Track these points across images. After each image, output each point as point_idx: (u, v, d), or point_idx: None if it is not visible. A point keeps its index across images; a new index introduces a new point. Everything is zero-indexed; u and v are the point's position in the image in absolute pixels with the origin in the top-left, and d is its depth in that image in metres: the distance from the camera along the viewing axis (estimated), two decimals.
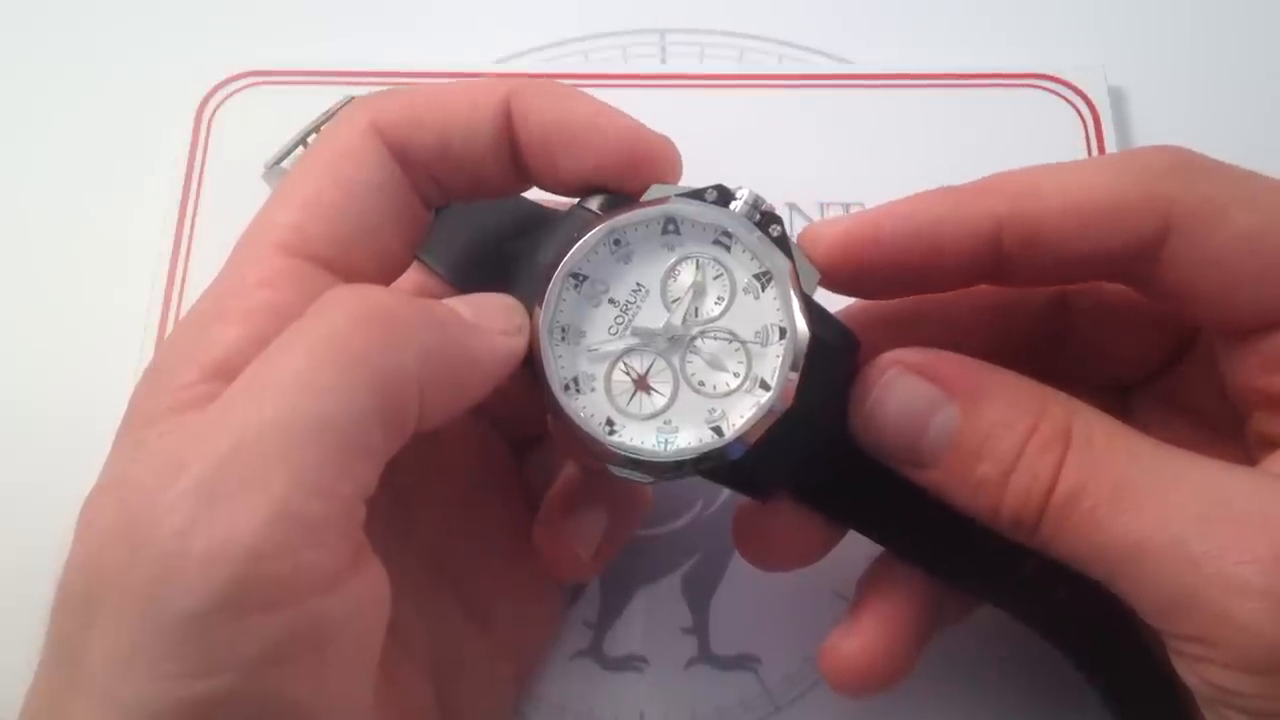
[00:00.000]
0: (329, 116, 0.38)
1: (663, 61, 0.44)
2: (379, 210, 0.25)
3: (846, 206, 0.40)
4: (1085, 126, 0.41)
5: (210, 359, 0.23)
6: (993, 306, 0.29)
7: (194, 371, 0.23)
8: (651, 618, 0.34)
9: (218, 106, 0.42)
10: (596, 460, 0.26)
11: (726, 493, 0.36)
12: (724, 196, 0.26)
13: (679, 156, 0.27)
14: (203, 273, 0.38)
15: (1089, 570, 0.24)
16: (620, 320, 0.26)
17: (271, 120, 0.41)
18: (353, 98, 0.38)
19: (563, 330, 0.26)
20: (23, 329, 0.38)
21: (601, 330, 0.26)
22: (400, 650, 0.27)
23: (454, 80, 0.27)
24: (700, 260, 0.26)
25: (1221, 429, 0.28)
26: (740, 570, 0.35)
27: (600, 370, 0.26)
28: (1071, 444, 0.24)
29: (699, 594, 0.34)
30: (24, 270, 0.39)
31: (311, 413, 0.21)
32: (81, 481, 0.23)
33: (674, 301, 0.26)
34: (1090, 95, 0.42)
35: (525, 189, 0.28)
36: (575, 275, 0.26)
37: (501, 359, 0.25)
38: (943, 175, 0.42)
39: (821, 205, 0.40)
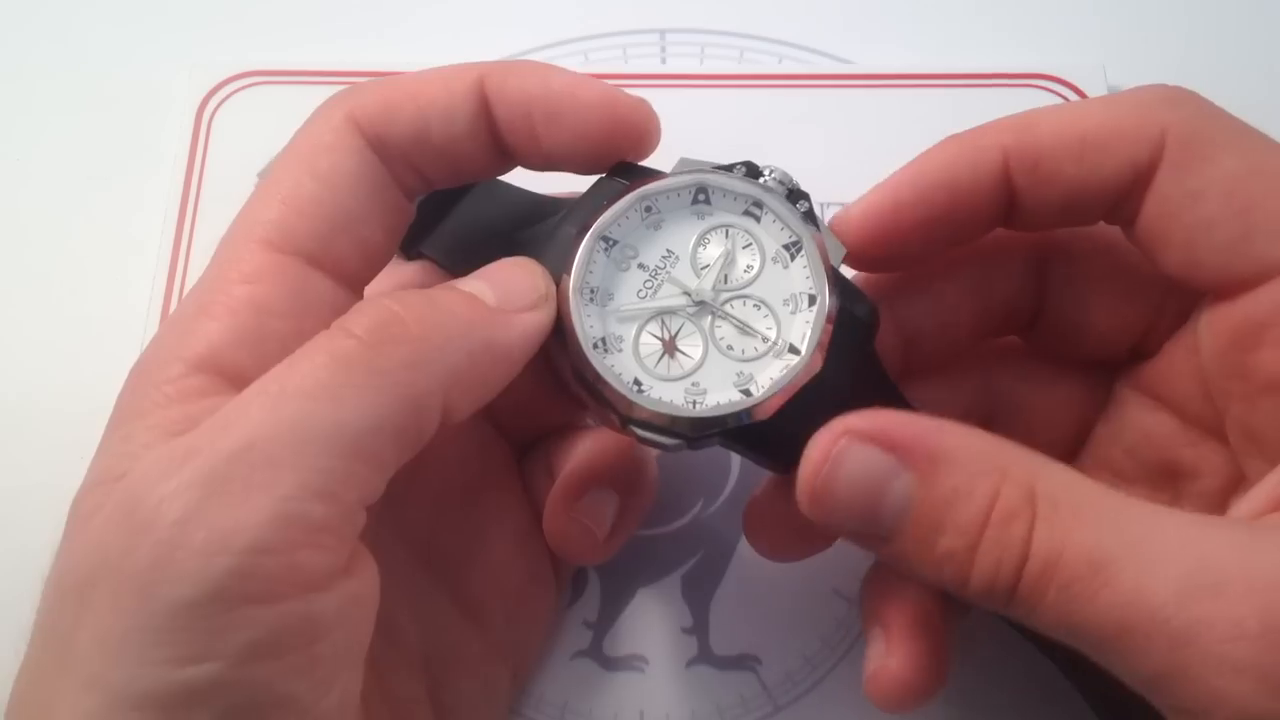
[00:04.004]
0: None
1: (663, 61, 0.44)
2: (359, 202, 0.25)
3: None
4: None
5: (194, 353, 0.23)
6: (975, 282, 0.29)
7: (178, 366, 0.23)
8: (651, 618, 0.34)
9: (218, 106, 0.42)
10: (623, 421, 0.25)
11: (727, 492, 0.36)
12: (753, 171, 0.27)
13: (657, 118, 0.27)
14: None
15: (1070, 642, 0.23)
16: (649, 285, 0.26)
17: (271, 120, 0.41)
18: None
19: (592, 291, 0.26)
20: (23, 329, 0.38)
21: (630, 294, 0.26)
22: (389, 645, 0.27)
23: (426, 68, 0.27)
24: (730, 230, 0.27)
25: (1205, 425, 0.28)
26: (740, 570, 0.35)
27: (629, 332, 0.26)
28: (1038, 512, 0.22)
29: (699, 594, 0.34)
30: (24, 270, 0.39)
31: (326, 419, 0.21)
32: (79, 481, 0.23)
33: (703, 268, 0.27)
34: (1090, 95, 0.42)
35: (507, 169, 0.28)
36: (605, 239, 0.26)
37: (531, 337, 0.25)
38: None
39: (821, 205, 0.40)
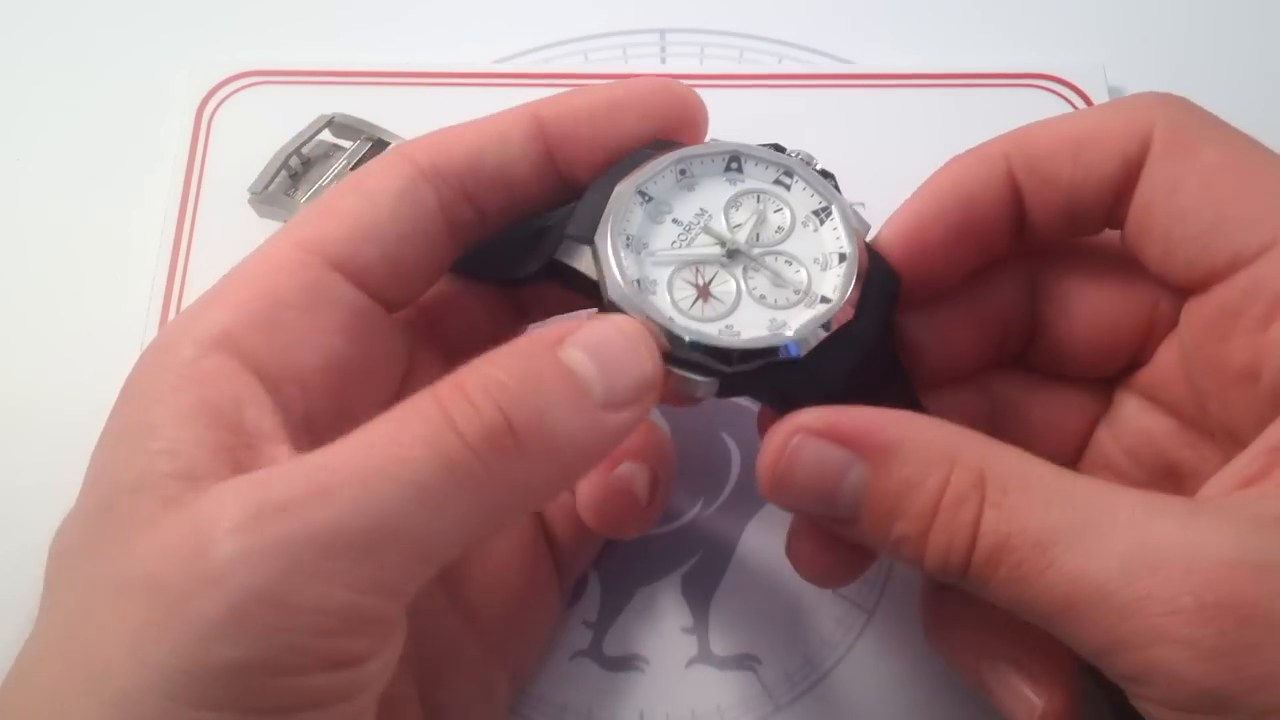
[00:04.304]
0: (309, 138, 0.37)
1: (663, 61, 0.44)
2: (396, 220, 0.26)
3: None
4: None
5: (207, 335, 0.24)
6: (970, 299, 0.29)
7: (191, 348, 0.24)
8: (651, 618, 0.34)
9: (218, 106, 0.42)
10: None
11: (727, 492, 0.36)
12: (778, 150, 0.28)
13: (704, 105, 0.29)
14: (203, 273, 0.38)
15: (1021, 616, 0.23)
16: (683, 238, 0.27)
17: (271, 120, 0.41)
18: (333, 117, 0.37)
19: (627, 239, 0.26)
20: (23, 329, 0.38)
21: (665, 243, 0.27)
22: None
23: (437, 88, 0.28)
24: (761, 195, 0.28)
25: (1202, 426, 0.28)
26: (740, 570, 0.35)
27: (663, 276, 0.26)
28: (987, 497, 0.23)
29: (699, 594, 0.34)
30: (24, 270, 0.39)
31: (418, 525, 0.21)
32: (80, 482, 0.23)
33: (736, 226, 0.27)
34: (1090, 95, 0.42)
35: (562, 199, 0.28)
36: (642, 193, 0.27)
37: (624, 436, 0.24)
38: None
39: None
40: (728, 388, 0.26)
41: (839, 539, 0.27)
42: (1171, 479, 0.29)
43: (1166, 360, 0.28)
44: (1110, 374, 0.30)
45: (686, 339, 0.25)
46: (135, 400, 0.24)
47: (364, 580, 0.21)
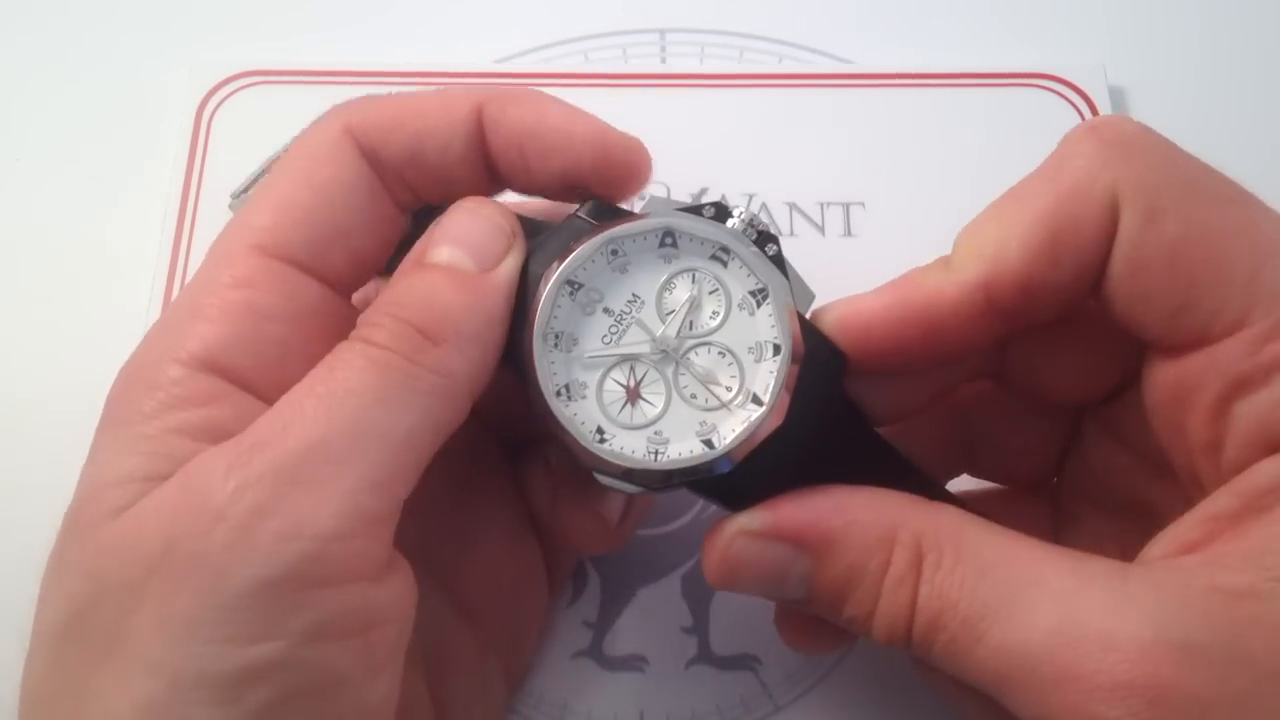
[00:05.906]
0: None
1: (663, 61, 0.44)
2: (352, 212, 0.26)
3: (846, 206, 0.40)
4: None
5: (192, 356, 0.24)
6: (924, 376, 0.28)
7: (177, 369, 0.24)
8: (651, 618, 0.34)
9: (218, 106, 0.42)
10: (584, 469, 0.26)
11: None
12: (721, 213, 0.27)
13: (649, 157, 0.27)
14: None
15: (966, 683, 0.24)
16: (615, 330, 0.26)
17: (271, 120, 0.41)
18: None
19: (556, 337, 0.26)
20: (23, 329, 0.38)
21: (595, 339, 0.26)
22: None
23: (430, 88, 0.28)
24: (696, 274, 0.27)
25: (1161, 466, 0.27)
26: None
27: (593, 379, 0.26)
28: (922, 574, 0.24)
29: (699, 594, 0.34)
30: (25, 270, 0.39)
31: (381, 419, 0.23)
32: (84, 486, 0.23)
33: (669, 314, 0.26)
34: (1091, 95, 0.42)
35: (497, 193, 0.28)
36: (571, 283, 0.26)
37: (512, 284, 0.25)
38: (942, 175, 0.42)
39: (821, 205, 0.40)
40: (660, 492, 0.26)
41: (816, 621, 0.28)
42: (1141, 513, 0.28)
43: (1135, 402, 0.27)
44: (1081, 404, 0.29)
45: (615, 467, 0.25)
46: (120, 421, 0.24)
47: (351, 479, 0.22)
